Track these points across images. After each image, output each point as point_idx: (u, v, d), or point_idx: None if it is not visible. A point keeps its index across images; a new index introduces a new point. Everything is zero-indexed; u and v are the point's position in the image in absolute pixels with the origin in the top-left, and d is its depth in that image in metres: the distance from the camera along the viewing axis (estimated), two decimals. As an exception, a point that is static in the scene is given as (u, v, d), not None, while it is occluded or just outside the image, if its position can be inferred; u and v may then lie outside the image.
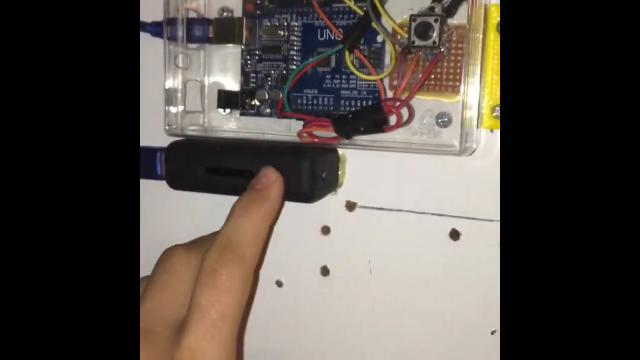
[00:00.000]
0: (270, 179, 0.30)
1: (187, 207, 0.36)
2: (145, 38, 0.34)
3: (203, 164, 0.32)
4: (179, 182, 0.33)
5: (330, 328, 0.35)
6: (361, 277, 0.33)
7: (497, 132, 0.29)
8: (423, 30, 0.27)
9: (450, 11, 0.27)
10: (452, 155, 0.29)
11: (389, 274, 0.33)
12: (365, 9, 0.29)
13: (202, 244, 0.30)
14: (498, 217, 0.30)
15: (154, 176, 0.34)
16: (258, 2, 0.33)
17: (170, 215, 0.37)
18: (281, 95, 0.32)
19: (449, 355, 0.32)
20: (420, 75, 0.29)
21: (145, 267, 0.33)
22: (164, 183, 0.33)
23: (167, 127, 0.33)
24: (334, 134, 0.30)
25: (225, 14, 0.34)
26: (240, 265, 0.28)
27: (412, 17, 0.27)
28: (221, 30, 0.33)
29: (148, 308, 0.29)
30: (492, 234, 0.30)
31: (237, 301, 0.28)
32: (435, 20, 0.27)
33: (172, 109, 0.33)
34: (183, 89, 0.34)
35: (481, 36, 0.28)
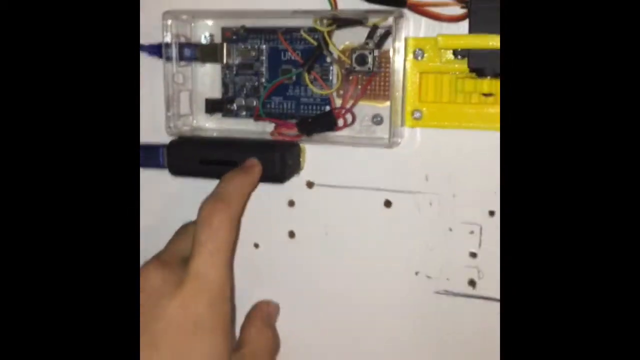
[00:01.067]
0: (253, 162, 0.40)
1: (185, 189, 0.45)
2: (142, 57, 0.43)
3: (198, 156, 0.41)
4: (178, 170, 0.42)
5: (297, 278, 0.45)
6: (319, 238, 0.44)
7: (417, 129, 0.40)
8: (361, 60, 0.37)
9: (380, 44, 0.38)
10: (384, 147, 0.40)
11: (340, 234, 0.43)
12: (317, 37, 0.39)
13: None
14: (418, 189, 0.41)
15: (158, 166, 0.43)
16: (234, 29, 0.42)
17: (170, 196, 0.46)
18: (255, 104, 0.42)
19: (386, 289, 0.43)
20: (360, 88, 0.39)
21: (153, 238, 0.43)
22: (166, 171, 0.43)
23: (168, 129, 0.42)
24: (297, 133, 0.40)
25: (208, 38, 0.43)
26: (228, 212, 0.37)
27: (353, 50, 0.37)
28: (206, 52, 0.42)
29: (167, 250, 0.39)
30: (414, 202, 0.41)
31: (227, 237, 0.36)
32: (369, 53, 0.37)
33: (170, 114, 0.43)
34: (177, 97, 0.43)
35: (403, 59, 0.38)
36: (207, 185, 0.43)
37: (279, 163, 0.40)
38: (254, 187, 0.41)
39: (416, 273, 0.42)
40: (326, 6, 0.38)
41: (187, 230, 0.40)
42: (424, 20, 0.38)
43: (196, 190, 0.44)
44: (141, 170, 0.44)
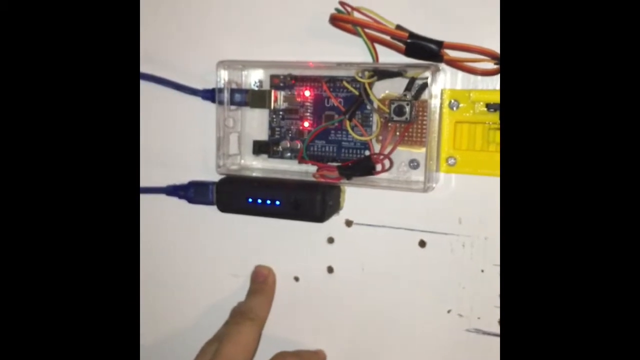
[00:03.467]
0: (264, 274, 0.47)
1: (231, 224, 0.49)
2: (197, 100, 0.47)
3: (245, 195, 0.44)
4: (226, 207, 0.45)
5: (334, 311, 0.47)
6: (356, 274, 0.46)
7: (452, 174, 0.42)
8: (399, 111, 0.40)
9: (417, 96, 0.41)
10: (419, 191, 0.42)
11: (376, 271, 0.45)
12: (358, 87, 0.42)
13: None
14: (452, 231, 0.43)
15: (207, 203, 0.47)
16: (281, 77, 0.45)
17: (217, 230, 0.49)
18: (300, 147, 0.45)
19: (419, 326, 0.45)
20: (398, 135, 0.42)
21: (201, 270, 0.46)
22: (214, 207, 0.46)
23: (218, 167, 0.46)
24: (338, 176, 0.43)
25: (258, 84, 0.46)
26: (255, 322, 0.44)
27: (392, 101, 0.40)
28: (255, 98, 0.45)
29: None
30: (447, 243, 0.43)
31: (251, 343, 0.43)
32: (407, 104, 0.40)
33: (220, 154, 0.46)
34: (227, 138, 0.46)
35: (439, 109, 0.41)
36: (253, 222, 0.46)
37: (320, 204, 0.42)
38: (272, 299, 0.47)
39: (448, 311, 0.44)
40: (368, 58, 0.41)
41: (209, 346, 0.44)
42: (460, 72, 0.41)
43: (242, 226, 0.48)
44: (191, 205, 0.48)
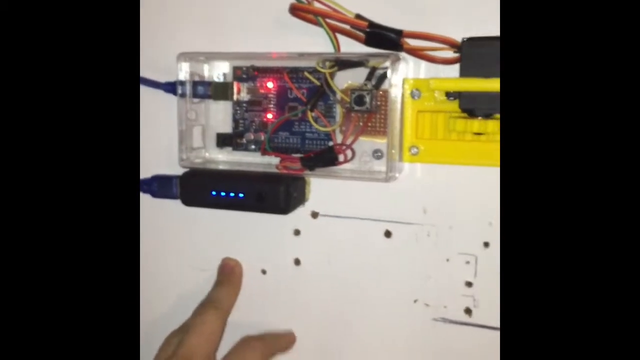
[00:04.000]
0: (231, 265, 0.47)
1: (196, 218, 0.48)
2: (160, 93, 0.46)
3: (209, 188, 0.44)
4: (190, 200, 0.45)
5: (301, 302, 0.47)
6: (323, 266, 0.46)
7: (416, 164, 0.42)
8: (359, 100, 0.39)
9: (378, 85, 0.40)
10: (382, 181, 0.42)
11: (343, 262, 0.45)
12: (319, 77, 0.42)
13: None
14: (417, 221, 0.43)
15: (171, 197, 0.46)
16: (244, 68, 0.45)
17: (182, 224, 0.49)
18: (263, 138, 0.44)
19: (386, 316, 0.45)
20: (361, 125, 0.42)
21: (164, 265, 0.45)
22: (179, 201, 0.45)
23: (181, 161, 0.45)
24: (301, 167, 0.43)
25: (222, 77, 0.46)
26: (219, 312, 0.43)
27: (352, 91, 0.40)
28: (218, 90, 0.45)
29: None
30: (413, 233, 0.43)
31: (215, 332, 0.42)
32: (367, 94, 0.39)
33: (183, 147, 0.45)
34: (190, 131, 0.46)
35: (400, 99, 0.41)
36: (218, 215, 0.45)
37: (284, 196, 0.42)
38: (239, 290, 0.47)
39: (415, 301, 0.44)
40: (330, 49, 0.41)
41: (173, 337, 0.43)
42: (423, 62, 0.41)
43: (207, 220, 0.48)
44: (155, 200, 0.47)
